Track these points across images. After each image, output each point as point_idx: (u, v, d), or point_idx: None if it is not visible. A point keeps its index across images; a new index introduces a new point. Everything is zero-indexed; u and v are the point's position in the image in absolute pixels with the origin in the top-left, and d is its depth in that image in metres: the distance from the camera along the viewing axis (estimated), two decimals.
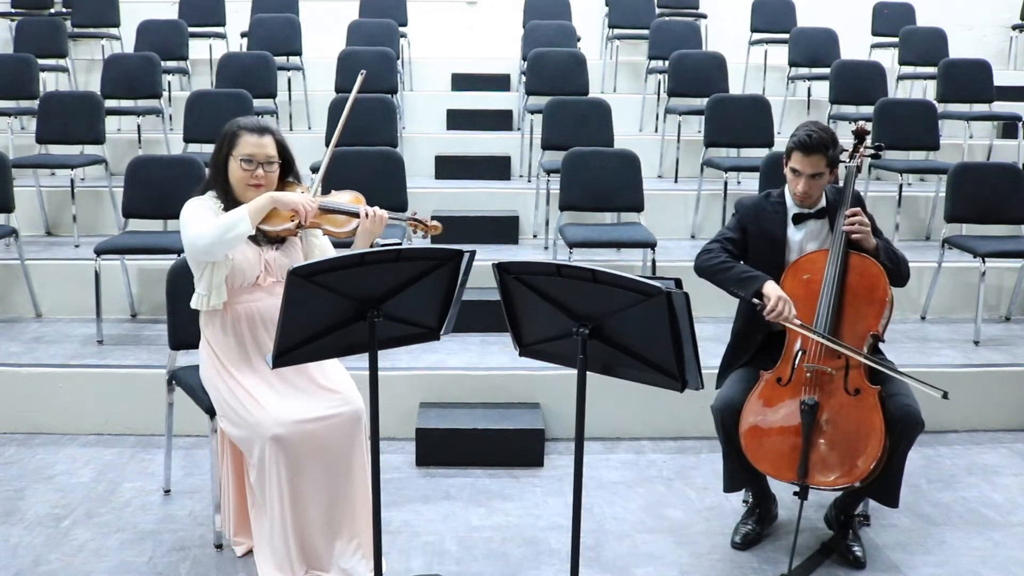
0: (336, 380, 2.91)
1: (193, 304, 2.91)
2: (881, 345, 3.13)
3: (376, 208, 2.90)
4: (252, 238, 2.87)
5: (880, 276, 3.01)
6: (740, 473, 3.11)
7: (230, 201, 2.88)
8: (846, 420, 2.90)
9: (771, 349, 3.11)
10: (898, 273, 3.11)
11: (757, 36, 7.93)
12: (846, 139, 3.31)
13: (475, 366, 4.21)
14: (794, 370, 2.99)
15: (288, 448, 2.74)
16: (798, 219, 3.17)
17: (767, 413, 2.98)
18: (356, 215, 2.89)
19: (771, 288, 2.99)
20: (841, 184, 3.21)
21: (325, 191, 3.03)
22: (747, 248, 3.23)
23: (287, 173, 2.97)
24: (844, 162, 3.20)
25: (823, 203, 3.17)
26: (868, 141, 3.34)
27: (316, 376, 2.89)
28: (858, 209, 3.08)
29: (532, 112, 6.38)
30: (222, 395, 2.86)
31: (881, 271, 3.02)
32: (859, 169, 3.21)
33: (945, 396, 2.74)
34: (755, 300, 3.01)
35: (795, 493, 2.93)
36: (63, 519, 3.30)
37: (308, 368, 2.87)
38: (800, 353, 2.99)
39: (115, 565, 3.01)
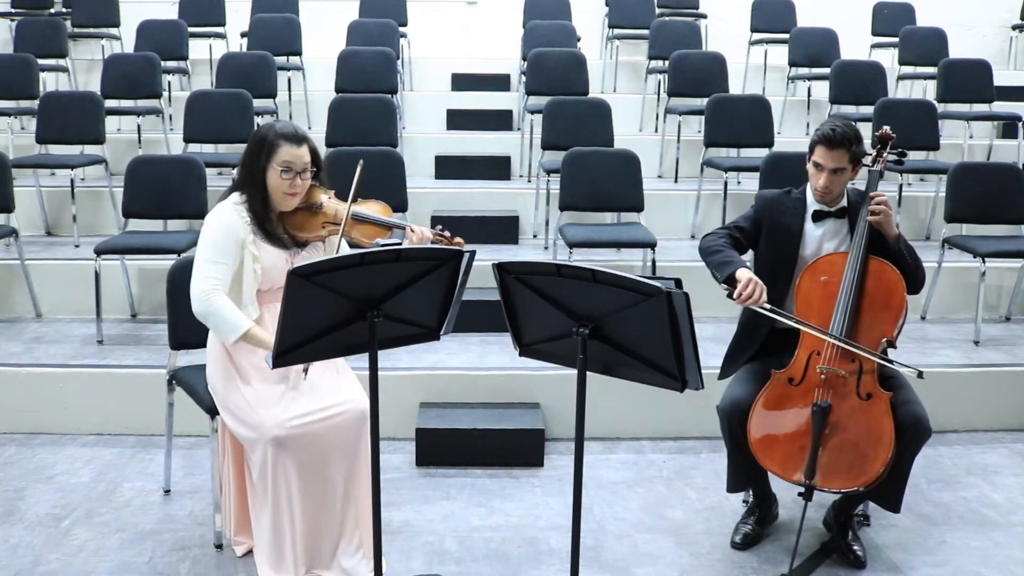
0: (341, 380, 2.91)
1: None
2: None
3: (423, 229, 2.94)
4: (280, 241, 2.89)
5: (899, 282, 3.00)
6: (744, 473, 3.11)
7: (265, 207, 2.87)
8: (857, 424, 2.89)
9: (780, 348, 3.10)
10: (915, 273, 3.09)
11: (757, 36, 7.93)
12: None
13: (475, 366, 4.21)
14: (807, 371, 2.98)
15: (290, 449, 2.74)
16: (818, 216, 3.16)
17: (778, 413, 2.97)
18: (390, 228, 2.94)
19: (743, 273, 2.97)
20: (864, 188, 3.20)
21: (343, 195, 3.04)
22: (757, 240, 3.22)
23: (314, 177, 2.97)
24: (867, 166, 3.20)
25: (844, 203, 3.16)
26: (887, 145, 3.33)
27: (322, 375, 2.89)
28: (882, 193, 3.07)
29: (532, 112, 6.38)
30: (229, 393, 2.86)
31: (899, 277, 3.01)
32: (882, 175, 3.20)
33: (920, 376, 2.80)
34: (725, 285, 3.01)
35: (800, 494, 2.92)
36: (63, 519, 3.31)
37: (314, 367, 2.86)
38: (813, 354, 2.99)
39: (115, 565, 3.01)
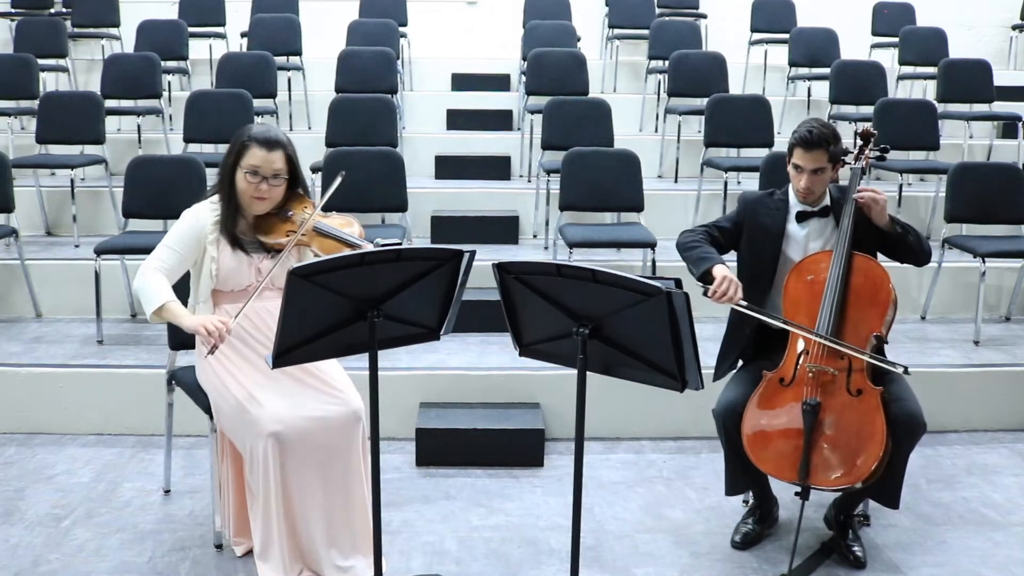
0: (335, 381, 2.91)
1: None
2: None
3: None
4: (242, 246, 2.88)
5: (884, 278, 3.01)
6: (742, 476, 3.11)
7: (233, 210, 2.88)
8: (848, 421, 2.89)
9: (773, 350, 3.11)
10: (919, 246, 3.12)
11: (757, 36, 7.93)
12: (847, 140, 3.31)
13: (475, 366, 4.21)
14: (796, 370, 2.98)
15: (285, 445, 2.74)
16: (801, 217, 3.17)
17: (769, 413, 2.98)
18: (351, 245, 2.85)
19: (719, 270, 2.99)
20: (846, 185, 3.21)
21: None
22: (738, 241, 3.25)
23: (295, 185, 2.95)
24: (848, 164, 3.21)
25: (827, 201, 3.17)
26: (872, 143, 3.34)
27: (315, 377, 2.89)
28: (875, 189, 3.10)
29: (532, 112, 6.38)
30: (219, 393, 2.86)
31: (885, 273, 3.02)
32: (864, 171, 3.21)
33: (906, 372, 2.81)
34: (702, 283, 3.02)
35: (796, 494, 2.93)
36: (63, 519, 3.31)
37: (306, 368, 2.86)
38: (803, 353, 2.99)
39: (115, 565, 3.01)
